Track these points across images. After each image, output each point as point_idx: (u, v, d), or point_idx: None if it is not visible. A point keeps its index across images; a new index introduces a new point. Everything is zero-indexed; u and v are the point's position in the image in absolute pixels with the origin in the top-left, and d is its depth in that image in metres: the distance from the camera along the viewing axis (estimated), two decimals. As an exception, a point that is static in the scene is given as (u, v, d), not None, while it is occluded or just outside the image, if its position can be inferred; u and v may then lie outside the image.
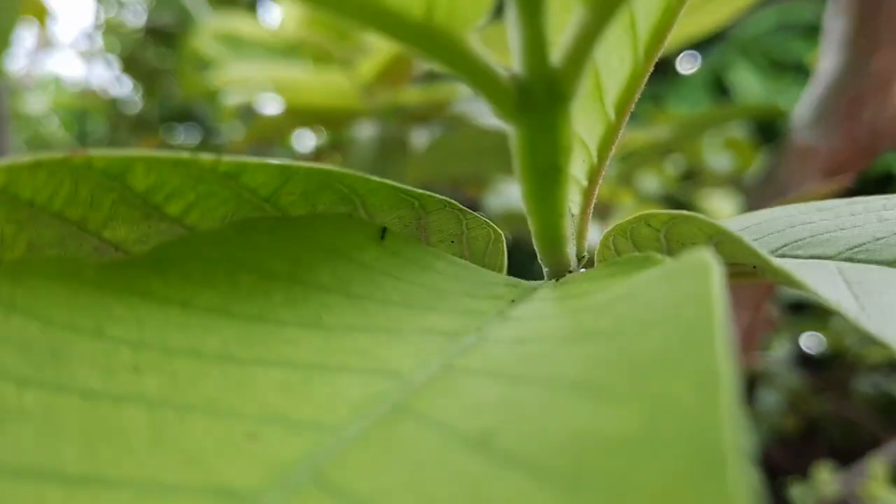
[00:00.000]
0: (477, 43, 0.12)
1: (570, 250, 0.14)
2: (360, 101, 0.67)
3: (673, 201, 0.89)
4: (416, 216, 0.14)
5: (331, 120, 0.73)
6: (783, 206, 0.16)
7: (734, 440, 0.07)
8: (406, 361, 0.10)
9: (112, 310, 0.10)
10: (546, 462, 0.07)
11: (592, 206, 0.15)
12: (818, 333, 1.20)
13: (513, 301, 0.12)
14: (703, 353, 0.08)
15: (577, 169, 0.14)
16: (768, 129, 1.80)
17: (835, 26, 0.60)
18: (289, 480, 0.07)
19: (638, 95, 0.14)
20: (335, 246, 0.12)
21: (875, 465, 1.07)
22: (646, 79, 0.14)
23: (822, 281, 0.12)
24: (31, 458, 0.07)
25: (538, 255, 0.14)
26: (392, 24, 0.11)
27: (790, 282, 0.11)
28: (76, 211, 0.11)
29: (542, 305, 0.12)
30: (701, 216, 0.12)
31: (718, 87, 1.98)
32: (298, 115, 0.71)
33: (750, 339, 0.57)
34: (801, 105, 0.58)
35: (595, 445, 0.07)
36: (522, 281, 0.13)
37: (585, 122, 0.14)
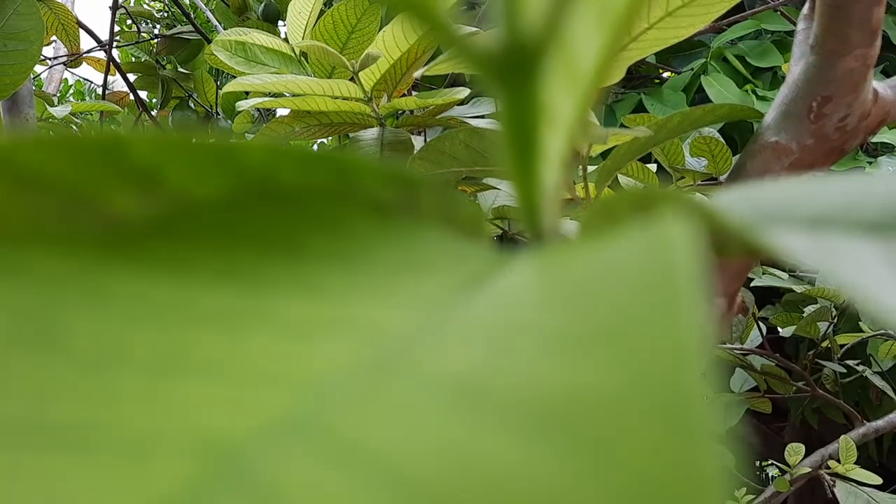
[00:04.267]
0: (450, 16, 0.12)
1: (549, 221, 0.14)
2: (364, 108, 0.67)
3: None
4: (407, 193, 0.13)
5: (336, 128, 0.73)
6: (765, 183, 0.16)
7: (697, 403, 0.07)
8: (395, 323, 0.10)
9: (108, 274, 0.09)
10: (530, 418, 0.07)
11: (567, 178, 0.14)
12: (788, 319, 1.20)
13: (497, 268, 0.12)
14: (671, 316, 0.08)
15: (553, 140, 0.14)
16: (741, 134, 1.80)
17: (805, 29, 0.59)
18: (275, 431, 0.07)
19: (610, 70, 0.14)
20: (330, 218, 0.12)
21: (846, 445, 1.07)
22: (618, 54, 0.13)
23: (804, 247, 0.12)
24: (19, 420, 0.07)
25: (521, 224, 0.14)
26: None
27: (765, 247, 0.11)
28: (76, 183, 0.10)
29: (523, 274, 0.11)
30: (676, 191, 0.12)
31: (697, 94, 1.98)
32: (306, 122, 0.70)
33: (725, 325, 0.57)
34: (773, 105, 0.58)
35: (576, 404, 0.07)
36: (506, 251, 0.13)
37: (560, 94, 0.14)
